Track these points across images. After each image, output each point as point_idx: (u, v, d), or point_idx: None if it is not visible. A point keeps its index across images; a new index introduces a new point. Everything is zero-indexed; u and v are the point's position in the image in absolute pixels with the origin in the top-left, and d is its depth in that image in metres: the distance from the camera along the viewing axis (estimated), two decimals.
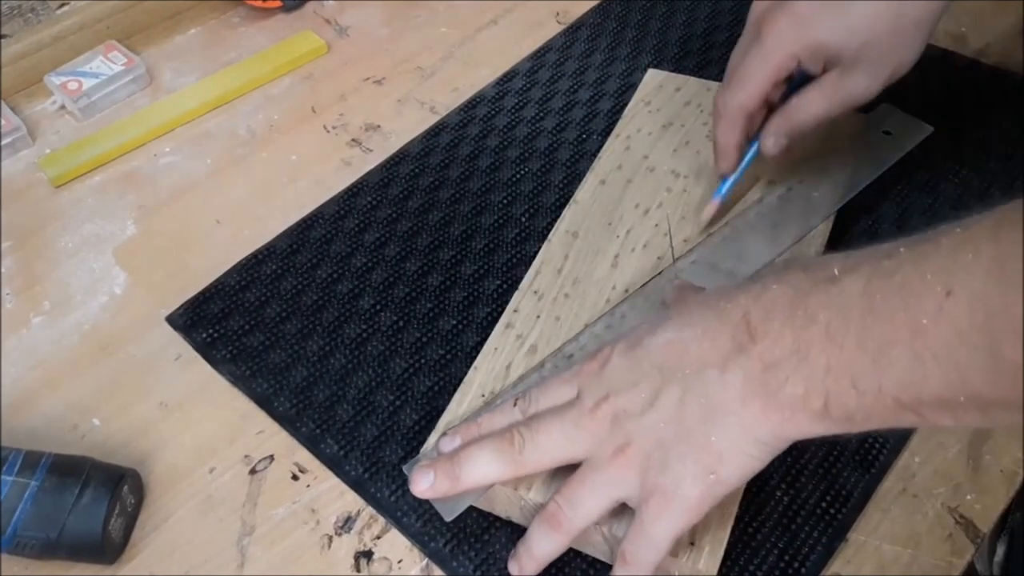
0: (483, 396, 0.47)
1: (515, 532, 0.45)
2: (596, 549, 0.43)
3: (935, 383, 0.31)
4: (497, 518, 0.46)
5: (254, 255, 0.60)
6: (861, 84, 0.47)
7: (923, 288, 0.31)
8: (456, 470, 0.41)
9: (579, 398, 0.40)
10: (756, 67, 0.48)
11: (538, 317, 0.50)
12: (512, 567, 0.42)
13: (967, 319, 0.30)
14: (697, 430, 0.37)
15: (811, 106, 0.49)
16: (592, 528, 0.41)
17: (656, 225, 0.55)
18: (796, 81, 0.50)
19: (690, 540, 0.41)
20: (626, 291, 0.51)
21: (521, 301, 0.51)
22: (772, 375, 0.35)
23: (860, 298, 0.33)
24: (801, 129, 0.50)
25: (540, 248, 0.55)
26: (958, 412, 0.31)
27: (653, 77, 0.65)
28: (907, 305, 0.31)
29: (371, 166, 0.65)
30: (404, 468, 0.46)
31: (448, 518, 0.42)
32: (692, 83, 0.64)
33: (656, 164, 0.58)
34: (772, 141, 0.50)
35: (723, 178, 0.53)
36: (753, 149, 0.52)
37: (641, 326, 0.41)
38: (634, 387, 0.39)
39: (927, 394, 0.31)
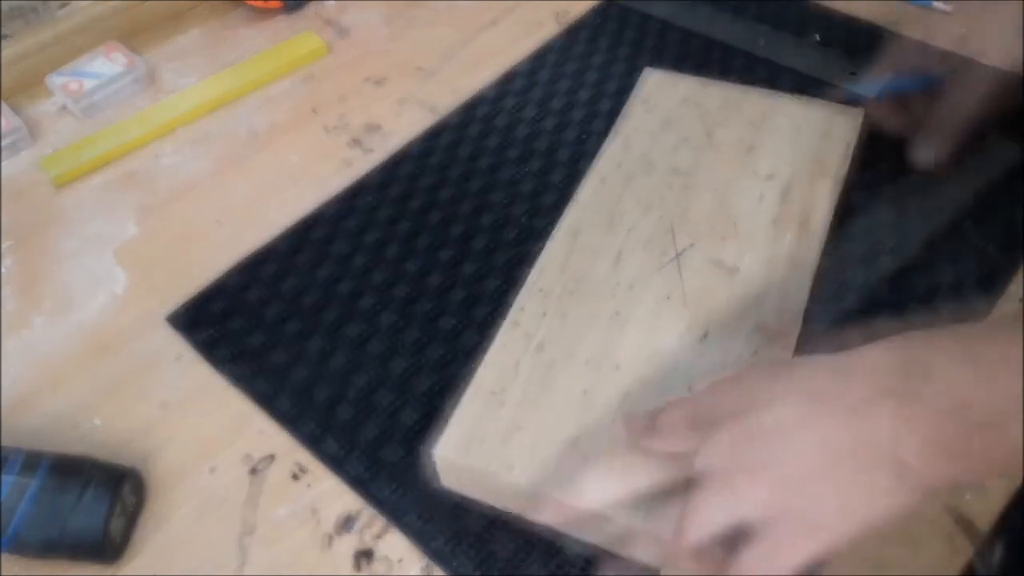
0: (494, 394, 0.47)
1: (515, 532, 0.45)
2: (603, 538, 0.43)
3: None
4: (497, 517, 0.46)
5: (255, 255, 0.60)
6: None
7: None
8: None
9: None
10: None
11: (544, 315, 0.50)
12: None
13: None
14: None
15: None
16: (608, 518, 0.41)
17: (659, 220, 0.55)
18: None
19: None
20: (631, 288, 0.51)
21: (527, 299, 0.51)
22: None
23: None
24: None
25: (541, 247, 0.54)
26: None
27: (650, 76, 0.66)
28: None
29: (371, 166, 0.65)
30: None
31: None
32: (689, 81, 0.64)
33: (656, 162, 0.58)
34: None
35: None
36: None
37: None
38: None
39: None
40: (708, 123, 0.61)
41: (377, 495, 0.48)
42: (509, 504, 0.46)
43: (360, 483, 0.48)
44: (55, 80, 0.72)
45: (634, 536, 0.42)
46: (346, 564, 0.46)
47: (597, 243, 0.54)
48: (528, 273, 0.53)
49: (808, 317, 0.50)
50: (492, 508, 0.46)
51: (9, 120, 0.69)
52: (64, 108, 0.72)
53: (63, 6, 0.74)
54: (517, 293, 0.52)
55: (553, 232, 0.55)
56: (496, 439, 0.45)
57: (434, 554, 0.45)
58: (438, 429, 0.46)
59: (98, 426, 0.52)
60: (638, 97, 0.64)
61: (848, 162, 0.58)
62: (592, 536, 0.44)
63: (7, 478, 0.44)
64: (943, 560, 0.44)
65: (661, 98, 0.63)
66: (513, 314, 0.51)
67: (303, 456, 0.50)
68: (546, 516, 0.44)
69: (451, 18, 0.78)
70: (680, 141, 0.60)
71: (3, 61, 0.71)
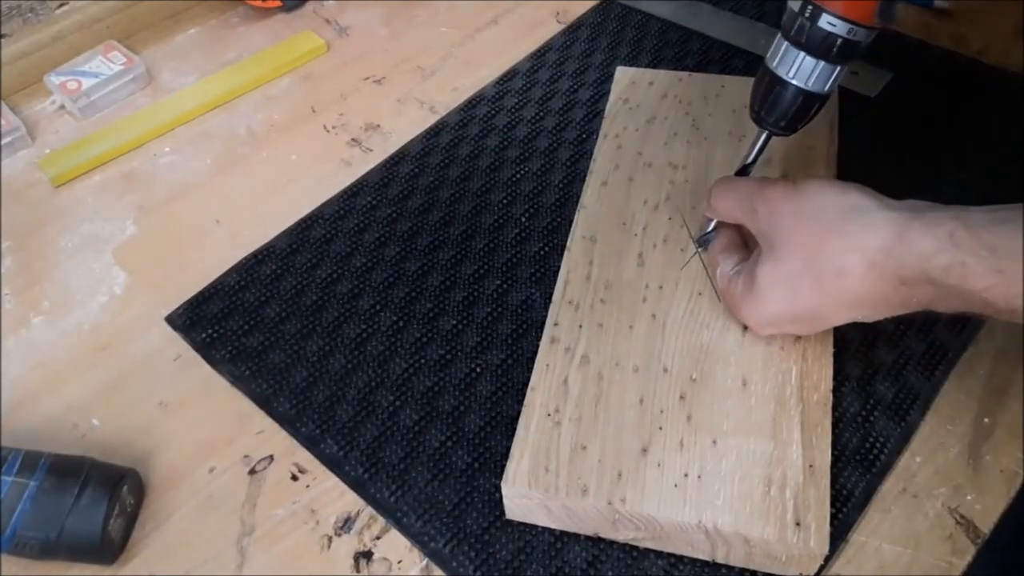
0: (548, 415, 0.46)
1: (515, 532, 0.45)
2: (696, 549, 0.43)
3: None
4: (496, 518, 0.46)
5: (254, 255, 0.59)
6: None
7: None
8: None
9: None
10: None
11: (580, 327, 0.50)
12: None
13: None
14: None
15: None
16: (694, 528, 0.41)
17: (670, 219, 0.55)
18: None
19: (796, 521, 0.41)
20: (660, 288, 0.51)
21: (559, 314, 0.51)
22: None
23: None
24: None
25: (542, 247, 0.54)
26: None
27: (623, 74, 0.65)
28: None
29: (371, 166, 0.65)
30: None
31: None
32: (663, 76, 0.64)
33: (652, 159, 0.58)
34: None
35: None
36: None
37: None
38: None
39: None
40: (693, 115, 0.61)
41: (377, 495, 0.47)
42: (584, 527, 0.45)
43: (360, 483, 0.48)
44: (53, 79, 0.72)
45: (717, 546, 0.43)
46: (345, 565, 0.45)
47: (615, 247, 0.54)
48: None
49: None
50: (499, 515, 0.46)
51: (8, 120, 0.69)
52: (62, 107, 0.72)
53: (61, 5, 0.74)
54: (516, 292, 0.52)
55: (568, 243, 0.54)
56: (563, 463, 0.44)
57: (433, 555, 0.45)
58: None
59: (97, 426, 0.52)
60: (617, 96, 0.64)
61: (836, 140, 0.58)
62: (674, 548, 0.44)
63: (6, 478, 0.44)
64: (943, 560, 0.44)
65: (640, 96, 0.63)
66: (549, 331, 0.50)
67: (302, 456, 0.50)
68: (626, 533, 0.43)
69: (451, 18, 0.78)
70: (670, 136, 0.60)
71: (2, 61, 0.71)
